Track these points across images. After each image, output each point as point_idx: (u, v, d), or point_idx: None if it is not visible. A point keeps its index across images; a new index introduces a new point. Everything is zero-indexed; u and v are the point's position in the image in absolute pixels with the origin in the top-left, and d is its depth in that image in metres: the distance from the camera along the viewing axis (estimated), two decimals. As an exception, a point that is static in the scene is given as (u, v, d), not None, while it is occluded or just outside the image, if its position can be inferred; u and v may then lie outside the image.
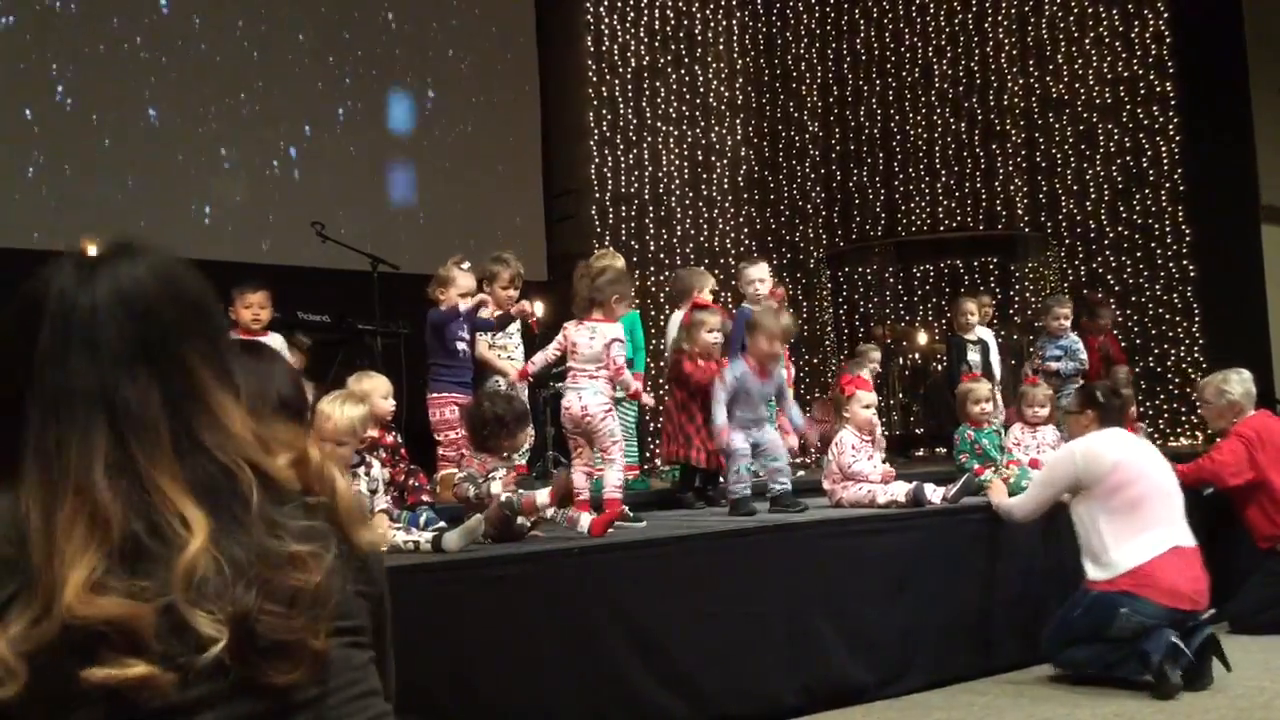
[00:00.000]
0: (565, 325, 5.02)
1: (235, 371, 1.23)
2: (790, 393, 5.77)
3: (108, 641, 1.03)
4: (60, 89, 8.03)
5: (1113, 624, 4.48)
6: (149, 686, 1.03)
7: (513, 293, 5.92)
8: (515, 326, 6.03)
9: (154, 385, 1.15)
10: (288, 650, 1.07)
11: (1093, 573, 4.59)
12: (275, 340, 5.42)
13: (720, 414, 5.10)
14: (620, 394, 5.22)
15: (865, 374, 6.63)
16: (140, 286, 1.19)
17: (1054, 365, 7.27)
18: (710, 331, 5.47)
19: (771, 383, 5.27)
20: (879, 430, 5.84)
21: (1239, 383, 5.89)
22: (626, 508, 4.82)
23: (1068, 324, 7.59)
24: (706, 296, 6.28)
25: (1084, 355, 7.57)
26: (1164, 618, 4.42)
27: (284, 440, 1.20)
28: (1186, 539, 4.62)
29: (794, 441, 5.68)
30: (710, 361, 5.43)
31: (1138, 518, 4.55)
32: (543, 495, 4.12)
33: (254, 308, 5.48)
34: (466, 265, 5.87)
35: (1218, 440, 6.00)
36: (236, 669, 1.06)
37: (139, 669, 1.03)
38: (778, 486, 5.06)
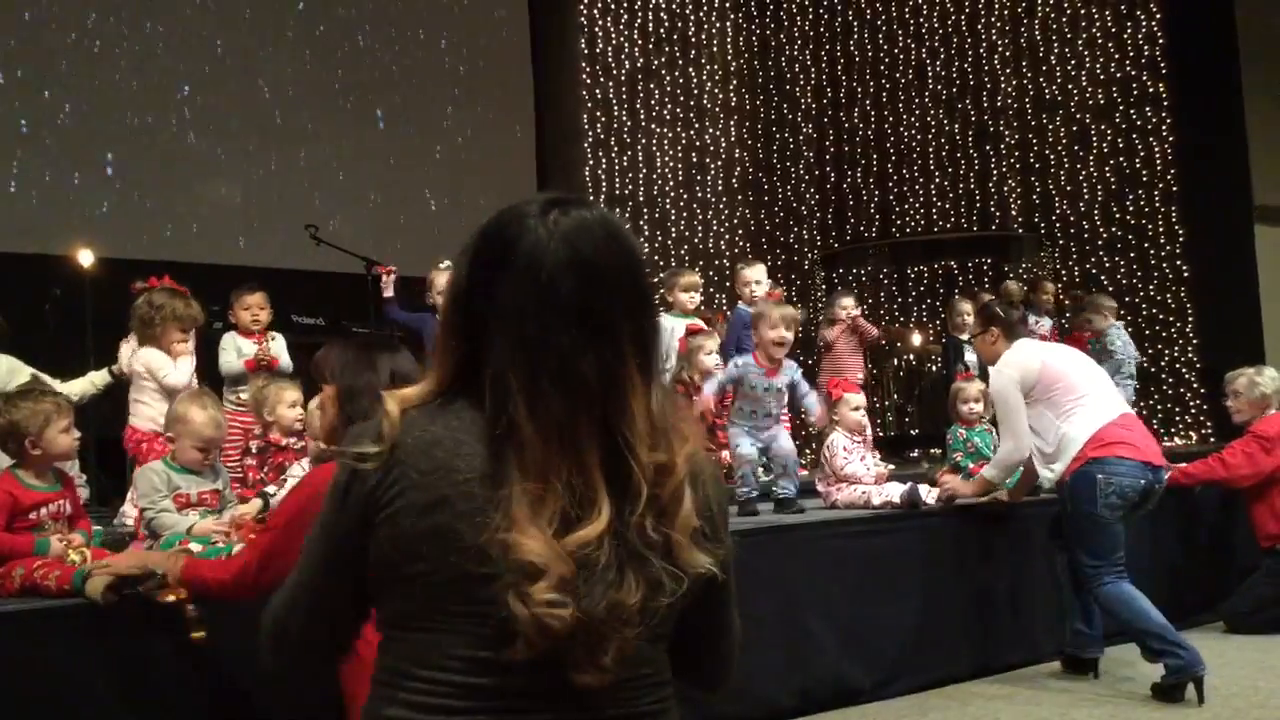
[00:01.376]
0: None
1: (654, 357, 1.28)
2: (804, 384, 5.39)
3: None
4: (54, 92, 8.02)
5: (1098, 501, 4.44)
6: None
7: None
8: None
9: (593, 355, 1.21)
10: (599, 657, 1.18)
11: (1060, 466, 4.59)
12: (279, 341, 5.42)
13: (709, 387, 5.12)
14: None
15: (838, 324, 6.84)
16: (596, 252, 1.24)
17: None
18: (708, 354, 5.47)
19: (781, 378, 5.08)
20: (869, 431, 5.81)
21: (1272, 379, 5.88)
22: None
23: (1112, 318, 7.56)
24: (682, 296, 6.28)
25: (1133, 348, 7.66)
26: (1137, 472, 4.45)
27: (678, 438, 1.24)
28: (1129, 408, 4.75)
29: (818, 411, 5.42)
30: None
31: (1080, 398, 4.62)
32: None
33: (252, 309, 5.43)
34: (445, 264, 5.70)
35: (1231, 443, 5.94)
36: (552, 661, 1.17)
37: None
38: (781, 491, 5.06)
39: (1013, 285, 8.20)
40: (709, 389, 5.14)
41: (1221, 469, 5.68)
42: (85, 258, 6.66)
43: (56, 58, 8.06)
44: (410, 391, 1.30)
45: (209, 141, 8.61)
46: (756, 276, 6.46)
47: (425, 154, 9.65)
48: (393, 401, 1.28)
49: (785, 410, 5.43)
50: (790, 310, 5.24)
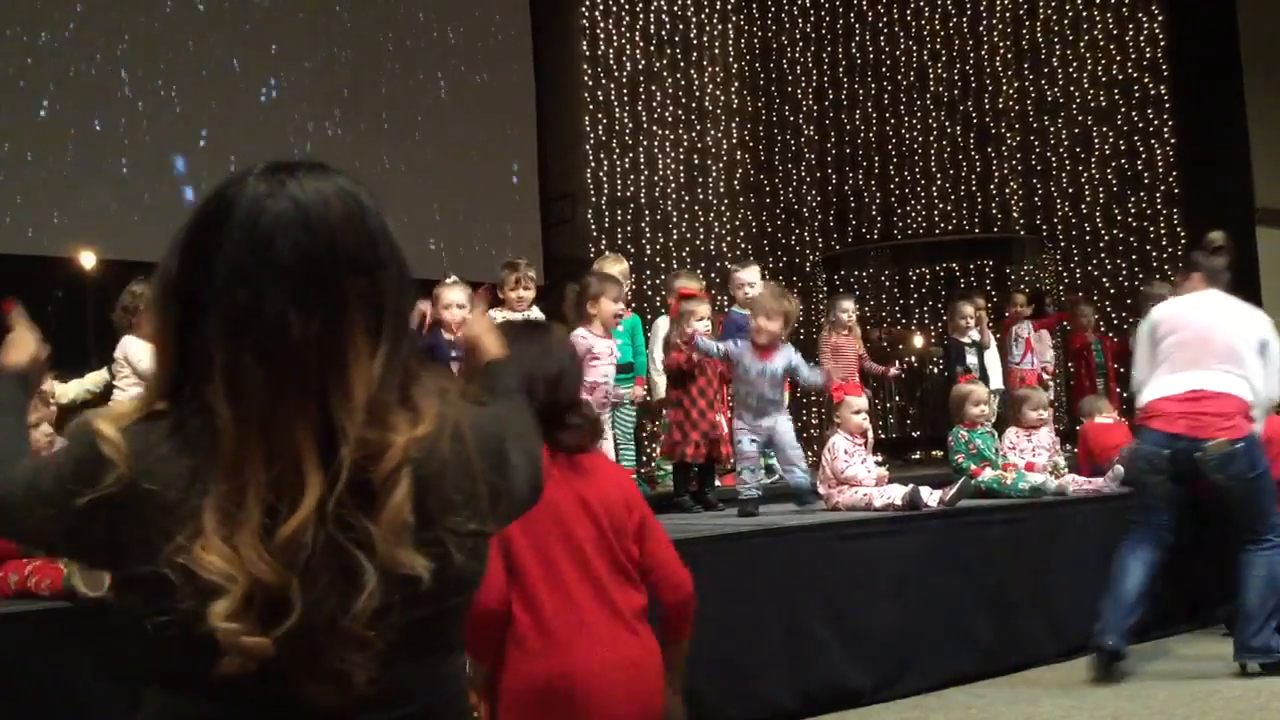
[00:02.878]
0: None
1: (389, 319, 1.12)
2: (804, 366, 5.36)
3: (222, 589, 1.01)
4: (55, 94, 8.02)
5: (1130, 460, 4.85)
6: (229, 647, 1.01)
7: (523, 293, 5.82)
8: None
9: (309, 317, 1.06)
10: (333, 660, 1.03)
11: None
12: None
13: (702, 342, 5.19)
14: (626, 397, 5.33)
15: (841, 331, 6.91)
16: (324, 204, 1.13)
17: None
18: (699, 319, 5.44)
19: (775, 363, 5.05)
20: (870, 434, 5.81)
21: None
22: None
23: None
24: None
25: None
26: (1161, 442, 4.57)
27: (409, 415, 1.10)
28: (1216, 384, 4.63)
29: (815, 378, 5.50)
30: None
31: (1170, 364, 4.74)
32: None
33: None
34: (451, 279, 5.65)
35: None
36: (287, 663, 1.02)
37: (231, 626, 1.00)
38: (791, 480, 5.07)
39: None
40: (701, 343, 5.20)
41: None
42: (86, 259, 6.68)
43: (55, 59, 8.06)
44: (123, 408, 1.11)
45: (210, 142, 8.61)
46: (750, 279, 6.47)
47: (425, 157, 9.65)
48: (105, 423, 1.08)
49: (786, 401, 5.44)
50: (781, 304, 5.17)
